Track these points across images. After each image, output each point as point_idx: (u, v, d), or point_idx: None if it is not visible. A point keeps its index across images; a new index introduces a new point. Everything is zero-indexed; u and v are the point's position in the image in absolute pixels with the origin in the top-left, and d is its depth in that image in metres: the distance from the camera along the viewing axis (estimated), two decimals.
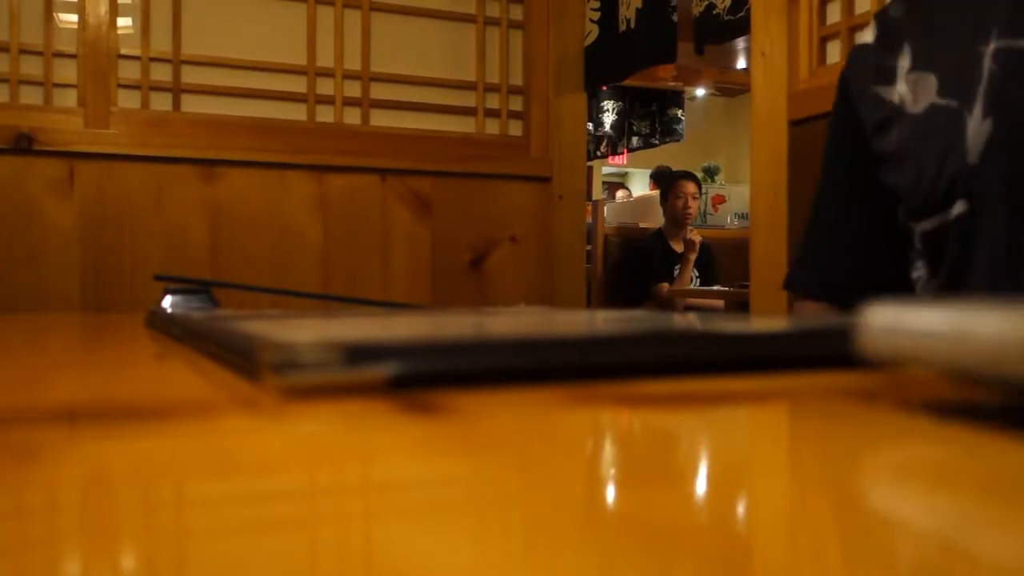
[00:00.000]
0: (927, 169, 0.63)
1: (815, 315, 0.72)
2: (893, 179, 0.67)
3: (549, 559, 0.12)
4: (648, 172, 6.31)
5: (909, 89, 0.65)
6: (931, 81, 0.63)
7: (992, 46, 0.59)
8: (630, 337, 0.30)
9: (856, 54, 0.73)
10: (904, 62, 0.67)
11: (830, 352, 0.32)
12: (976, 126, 0.59)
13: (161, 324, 0.51)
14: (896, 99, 0.66)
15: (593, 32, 2.08)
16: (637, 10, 1.95)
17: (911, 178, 0.64)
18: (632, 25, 1.96)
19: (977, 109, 0.59)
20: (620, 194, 6.41)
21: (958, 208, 0.61)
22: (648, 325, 0.31)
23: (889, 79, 0.67)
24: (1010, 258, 0.59)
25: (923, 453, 0.19)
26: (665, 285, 3.22)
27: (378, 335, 0.27)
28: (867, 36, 0.72)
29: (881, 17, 0.72)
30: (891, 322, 0.21)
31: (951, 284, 0.64)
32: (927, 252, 0.66)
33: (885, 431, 0.21)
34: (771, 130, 1.43)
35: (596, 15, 2.08)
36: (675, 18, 1.85)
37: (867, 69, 0.70)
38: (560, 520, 0.14)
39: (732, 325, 0.32)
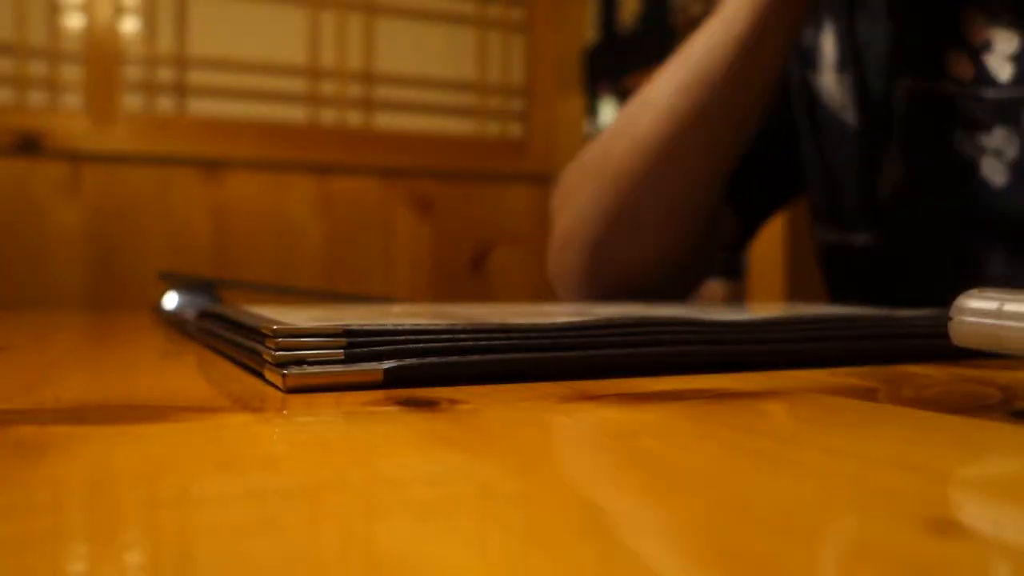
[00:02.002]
0: (837, 184, 0.58)
1: None
2: (808, 176, 0.62)
3: (550, 557, 0.12)
4: None
5: (837, 88, 0.58)
6: (853, 96, 0.57)
7: (907, 83, 0.53)
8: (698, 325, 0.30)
9: None
10: (828, 46, 0.58)
11: (923, 343, 0.33)
12: (891, 164, 0.54)
13: (171, 320, 0.52)
14: (824, 96, 0.59)
15: (593, 34, 2.08)
16: (637, 12, 1.95)
17: (824, 188, 0.60)
18: (632, 27, 1.96)
19: (894, 148, 0.54)
20: None
21: (860, 238, 0.57)
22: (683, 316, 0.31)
23: (812, 63, 0.59)
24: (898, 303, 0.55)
25: None
26: None
27: (379, 323, 0.27)
28: None
29: None
30: (989, 309, 0.20)
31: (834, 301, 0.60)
32: (823, 261, 0.62)
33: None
34: None
35: (596, 17, 2.08)
36: (675, 20, 1.85)
37: None
38: (561, 518, 0.14)
39: (817, 317, 0.33)
